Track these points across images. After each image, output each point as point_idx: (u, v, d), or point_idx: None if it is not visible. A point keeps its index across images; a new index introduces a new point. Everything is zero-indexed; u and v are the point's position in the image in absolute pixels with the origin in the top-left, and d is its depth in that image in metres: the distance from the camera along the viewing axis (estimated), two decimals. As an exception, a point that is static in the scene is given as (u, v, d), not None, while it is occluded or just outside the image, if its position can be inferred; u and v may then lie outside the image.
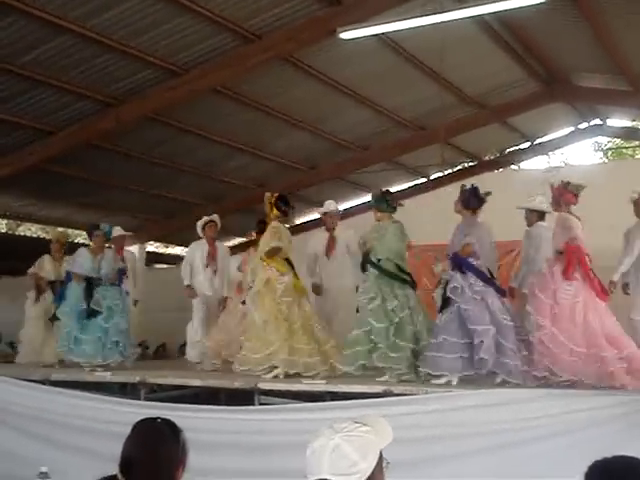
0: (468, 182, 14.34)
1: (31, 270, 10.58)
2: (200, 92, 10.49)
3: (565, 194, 7.27)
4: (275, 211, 8.48)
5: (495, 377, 6.70)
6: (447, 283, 7.09)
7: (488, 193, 7.42)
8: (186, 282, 9.81)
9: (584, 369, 6.33)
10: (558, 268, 6.75)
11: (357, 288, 7.93)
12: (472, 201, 7.35)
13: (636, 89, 11.84)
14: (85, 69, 9.54)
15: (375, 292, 7.42)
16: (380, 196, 8.21)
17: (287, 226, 8.82)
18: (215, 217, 9.93)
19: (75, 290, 9.32)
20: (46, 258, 10.54)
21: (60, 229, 14.49)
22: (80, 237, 18.80)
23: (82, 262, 9.40)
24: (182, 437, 2.89)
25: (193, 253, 9.97)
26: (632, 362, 6.38)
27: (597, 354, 6.33)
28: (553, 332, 6.46)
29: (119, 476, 2.79)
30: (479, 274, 6.98)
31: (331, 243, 9.76)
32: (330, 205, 9.90)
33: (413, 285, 7.68)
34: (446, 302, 6.97)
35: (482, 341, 6.61)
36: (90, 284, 9.25)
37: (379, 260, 7.57)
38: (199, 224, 9.86)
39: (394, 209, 8.18)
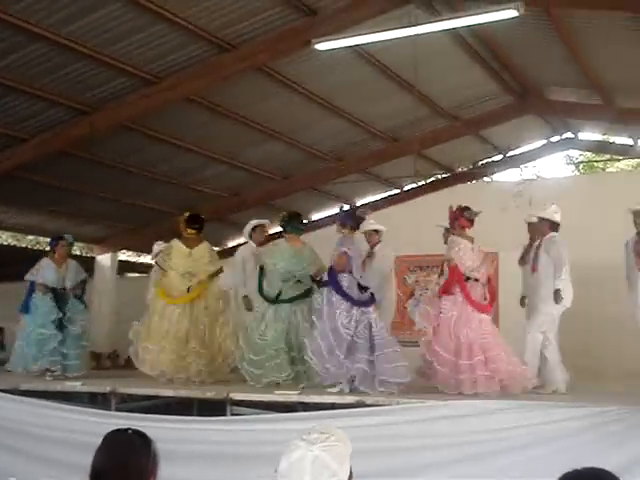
0: (441, 193, 14.61)
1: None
2: (175, 101, 10.47)
3: (460, 218, 7.94)
4: (188, 230, 9.11)
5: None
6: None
7: (362, 216, 8.52)
8: (244, 292, 9.25)
9: (450, 376, 7.22)
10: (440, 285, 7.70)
11: None
12: (348, 221, 8.01)
13: (607, 103, 12.01)
14: (59, 76, 9.48)
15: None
16: (287, 217, 8.80)
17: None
18: (265, 221, 9.88)
19: (43, 301, 9.35)
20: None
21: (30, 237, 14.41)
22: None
23: (47, 272, 9.46)
24: (153, 448, 2.87)
25: (244, 259, 9.53)
26: (498, 372, 7.25)
27: (464, 363, 7.20)
28: (430, 341, 7.44)
29: None
30: (338, 289, 7.43)
31: None
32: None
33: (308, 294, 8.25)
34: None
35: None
36: (56, 295, 9.37)
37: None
38: (247, 228, 9.70)
39: (300, 231, 8.86)
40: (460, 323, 7.42)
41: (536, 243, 8.47)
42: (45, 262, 9.57)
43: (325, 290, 7.51)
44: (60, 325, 9.24)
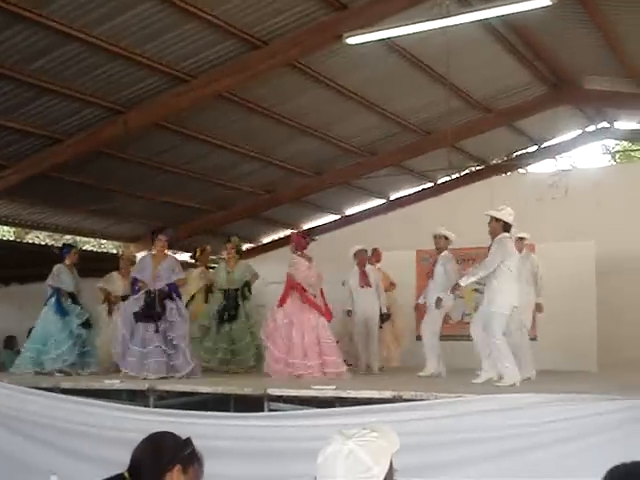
0: (476, 186, 14.51)
1: (100, 285, 11.12)
2: (207, 98, 10.50)
3: (299, 240, 9.75)
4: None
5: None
6: None
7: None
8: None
9: (282, 371, 9.01)
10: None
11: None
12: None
13: (644, 91, 11.83)
14: (93, 76, 9.56)
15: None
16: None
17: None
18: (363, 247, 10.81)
19: (70, 305, 10.07)
20: (114, 275, 11.10)
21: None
22: (88, 244, 18.89)
23: (66, 279, 10.10)
24: (189, 442, 2.91)
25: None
26: (326, 366, 9.06)
27: (294, 362, 9.00)
28: (268, 345, 9.28)
29: (125, 474, 2.85)
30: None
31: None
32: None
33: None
34: None
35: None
36: (73, 299, 10.13)
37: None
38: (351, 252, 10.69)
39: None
40: (292, 328, 9.18)
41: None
42: (62, 269, 10.14)
43: None
44: (86, 325, 10.09)
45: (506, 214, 8.05)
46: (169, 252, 9.87)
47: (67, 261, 10.21)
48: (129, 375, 8.83)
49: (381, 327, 10.92)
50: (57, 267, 10.11)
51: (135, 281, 9.33)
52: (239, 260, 11.05)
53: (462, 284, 8.15)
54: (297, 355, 9.13)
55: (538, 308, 9.29)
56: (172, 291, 9.20)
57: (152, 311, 8.95)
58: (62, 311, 9.95)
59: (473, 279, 8.02)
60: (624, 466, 2.17)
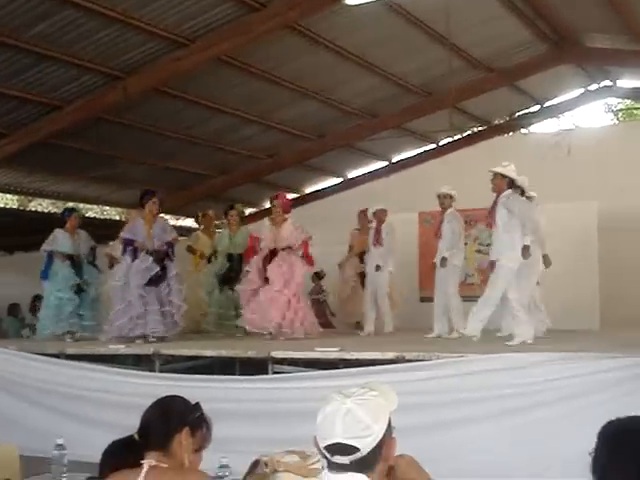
0: (479, 147, 14.45)
1: (106, 250, 11.10)
2: (207, 62, 10.45)
3: (287, 203, 9.98)
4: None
5: None
6: None
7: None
8: None
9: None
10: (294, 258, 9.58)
11: None
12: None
13: (647, 48, 11.72)
14: (91, 42, 9.50)
15: None
16: None
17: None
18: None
19: (61, 268, 10.03)
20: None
21: (70, 204, 14.61)
22: (91, 211, 18.90)
23: (63, 242, 10.11)
24: (198, 406, 2.95)
25: None
26: (305, 317, 9.44)
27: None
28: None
29: (135, 436, 2.89)
30: None
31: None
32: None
33: None
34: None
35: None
36: (72, 262, 10.11)
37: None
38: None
39: None
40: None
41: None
42: (59, 232, 10.21)
43: None
44: (79, 290, 10.06)
45: (511, 170, 8.05)
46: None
47: (68, 225, 10.28)
48: (124, 336, 8.95)
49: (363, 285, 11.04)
50: (55, 231, 10.20)
51: (129, 242, 9.27)
52: (241, 225, 11.10)
53: (527, 243, 7.82)
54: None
55: (545, 261, 9.19)
56: (170, 250, 9.30)
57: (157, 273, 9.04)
58: (45, 276, 10.09)
59: (530, 238, 7.89)
60: (619, 421, 2.19)
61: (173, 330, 9.21)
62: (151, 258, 9.07)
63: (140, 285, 8.95)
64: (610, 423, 2.19)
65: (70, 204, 14.68)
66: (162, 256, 9.16)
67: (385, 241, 10.35)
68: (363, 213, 11.19)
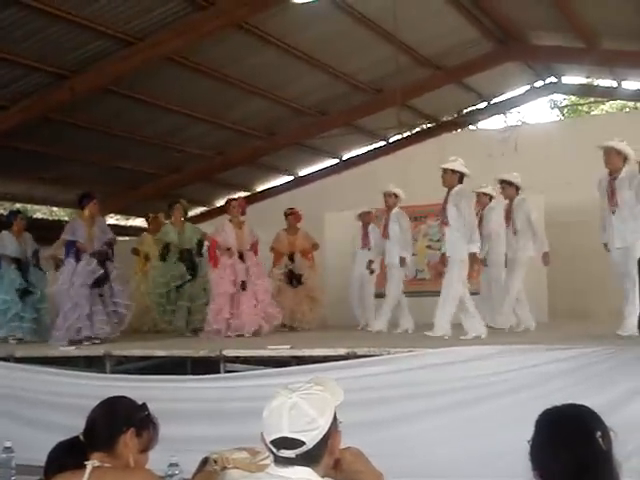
0: (427, 143, 14.59)
1: (51, 252, 10.62)
2: (154, 61, 10.36)
3: (244, 206, 10.37)
4: None
5: None
6: None
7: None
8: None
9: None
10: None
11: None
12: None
13: (591, 46, 11.94)
14: (36, 41, 9.35)
15: None
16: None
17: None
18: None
19: (7, 271, 10.03)
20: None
21: (18, 205, 14.41)
22: (39, 212, 18.62)
23: (8, 245, 10.09)
24: (144, 406, 2.95)
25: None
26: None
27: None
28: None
29: (81, 437, 2.88)
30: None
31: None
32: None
33: None
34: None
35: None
36: (19, 265, 10.11)
37: None
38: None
39: None
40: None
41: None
42: (5, 235, 10.17)
43: None
44: (25, 293, 10.03)
45: (459, 164, 8.14)
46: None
47: (14, 227, 10.22)
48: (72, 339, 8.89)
49: (295, 286, 11.30)
50: (2, 233, 10.15)
51: (70, 244, 9.19)
52: (185, 222, 11.16)
53: (477, 251, 7.99)
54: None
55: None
56: (110, 251, 9.30)
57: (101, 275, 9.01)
58: None
59: (478, 242, 8.01)
60: (555, 409, 2.26)
61: (118, 330, 9.27)
62: (95, 260, 9.03)
63: (85, 287, 8.91)
64: (546, 411, 2.25)
65: (18, 205, 14.47)
66: (103, 257, 9.16)
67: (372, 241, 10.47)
68: (293, 215, 11.53)
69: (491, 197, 9.67)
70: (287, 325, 10.97)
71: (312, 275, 11.50)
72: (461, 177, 8.12)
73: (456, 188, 8.06)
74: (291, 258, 11.37)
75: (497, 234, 9.21)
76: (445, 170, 8.14)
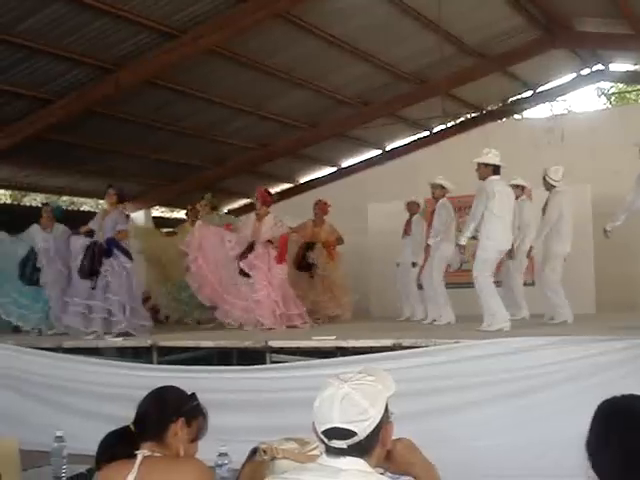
0: (472, 133, 14.44)
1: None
2: (197, 54, 10.39)
3: (265, 196, 10.08)
4: None
5: None
6: None
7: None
8: None
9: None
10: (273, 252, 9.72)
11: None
12: (123, 196, 9.78)
13: (638, 32, 11.69)
14: (81, 35, 9.44)
15: None
16: None
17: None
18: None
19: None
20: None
21: (64, 198, 14.60)
22: (86, 205, 18.87)
23: (36, 238, 10.20)
24: (194, 396, 2.95)
25: None
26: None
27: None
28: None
29: (131, 426, 2.89)
30: (126, 253, 9.29)
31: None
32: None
33: None
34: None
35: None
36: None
37: None
38: None
39: None
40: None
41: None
42: (36, 228, 10.28)
43: None
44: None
45: (491, 157, 8.01)
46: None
47: (42, 220, 10.35)
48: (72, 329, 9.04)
49: (312, 277, 11.31)
50: (32, 227, 10.28)
51: (90, 232, 9.41)
52: (214, 214, 11.51)
53: (462, 243, 8.11)
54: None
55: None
56: (110, 247, 9.21)
57: (90, 267, 9.04)
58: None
59: (468, 234, 8.00)
60: (614, 399, 2.20)
61: (111, 327, 9.03)
62: (80, 241, 9.27)
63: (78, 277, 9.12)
64: (604, 402, 2.20)
65: (65, 198, 14.65)
66: (101, 253, 9.12)
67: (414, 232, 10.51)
68: (320, 205, 11.45)
69: (523, 188, 9.55)
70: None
71: (330, 269, 11.44)
72: (495, 169, 8.00)
73: (488, 179, 7.96)
74: (310, 247, 11.28)
75: (527, 226, 9.17)
76: (478, 164, 8.05)
